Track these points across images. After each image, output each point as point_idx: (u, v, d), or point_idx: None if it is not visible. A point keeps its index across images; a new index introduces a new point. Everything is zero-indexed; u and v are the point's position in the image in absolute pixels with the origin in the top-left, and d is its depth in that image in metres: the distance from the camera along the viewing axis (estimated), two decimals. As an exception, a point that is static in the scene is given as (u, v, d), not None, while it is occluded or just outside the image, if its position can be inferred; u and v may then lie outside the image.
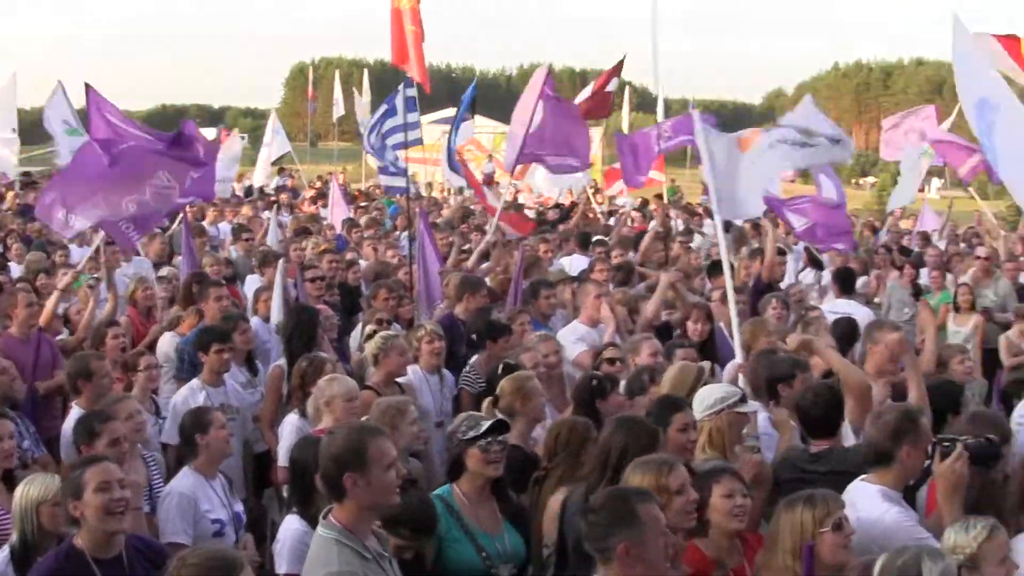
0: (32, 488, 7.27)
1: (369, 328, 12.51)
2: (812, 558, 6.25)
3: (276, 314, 13.49)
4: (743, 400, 8.70)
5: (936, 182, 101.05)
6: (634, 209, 34.09)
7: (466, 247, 20.34)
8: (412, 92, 19.59)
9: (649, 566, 5.75)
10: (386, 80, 20.42)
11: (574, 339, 12.83)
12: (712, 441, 8.38)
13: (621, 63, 22.01)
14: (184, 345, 12.78)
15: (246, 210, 29.96)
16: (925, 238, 25.95)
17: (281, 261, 14.66)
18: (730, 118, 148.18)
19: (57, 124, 22.18)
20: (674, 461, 7.01)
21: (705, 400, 8.55)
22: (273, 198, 35.60)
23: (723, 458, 8.23)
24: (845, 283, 16.71)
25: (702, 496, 6.93)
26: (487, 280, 16.13)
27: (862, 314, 15.01)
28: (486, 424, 7.64)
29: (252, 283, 16.72)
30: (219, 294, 13.62)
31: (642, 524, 5.74)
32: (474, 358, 12.24)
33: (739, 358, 10.91)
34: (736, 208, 11.98)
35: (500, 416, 8.73)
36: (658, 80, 19.71)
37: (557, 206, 32.63)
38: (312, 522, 7.50)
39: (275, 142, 39.23)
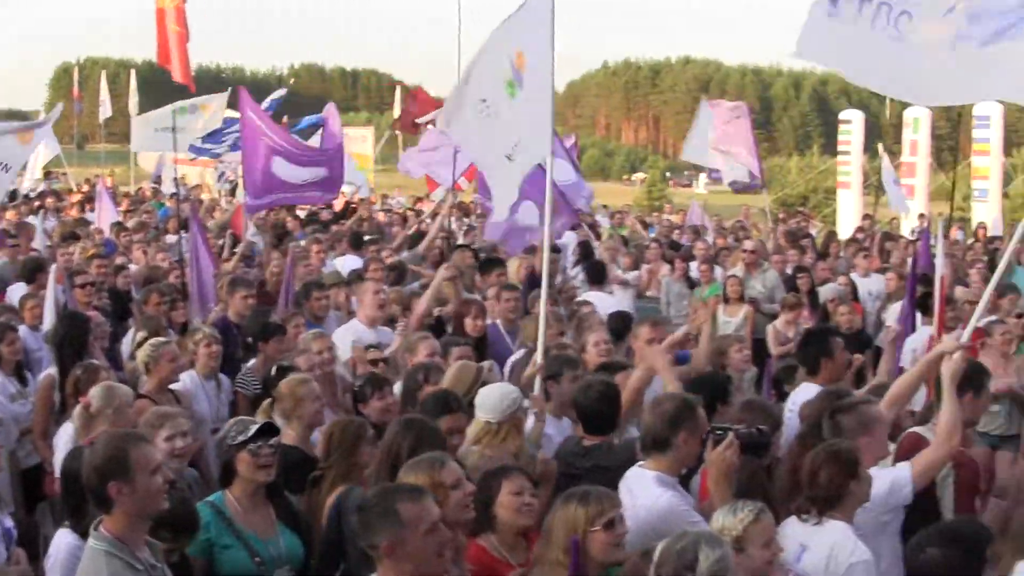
0: None
1: (140, 335, 12.32)
2: (579, 553, 6.33)
3: (49, 322, 13.23)
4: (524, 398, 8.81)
5: (703, 178, 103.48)
6: (408, 209, 34.19)
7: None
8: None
9: (416, 564, 5.77)
10: (154, 80, 20.08)
11: (352, 339, 12.81)
12: (506, 441, 8.37)
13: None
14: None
15: (10, 215, 29.18)
16: (695, 232, 26.55)
17: (55, 267, 14.37)
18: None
19: None
20: (445, 457, 7.03)
21: (501, 401, 8.49)
22: (38, 203, 34.69)
23: (514, 458, 8.23)
24: (596, 275, 17.17)
25: (489, 493, 6.98)
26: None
27: (610, 304, 15.46)
28: (254, 428, 7.55)
29: (17, 291, 16.30)
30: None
31: (403, 522, 5.73)
32: (251, 361, 12.18)
33: (538, 356, 11.07)
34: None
35: (271, 419, 8.76)
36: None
37: (329, 206, 32.52)
38: (85, 535, 7.40)
39: (45, 145, 38.21)
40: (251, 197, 17.79)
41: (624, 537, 6.50)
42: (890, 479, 7.58)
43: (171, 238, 21.03)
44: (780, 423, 8.69)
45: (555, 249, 18.30)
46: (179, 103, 25.03)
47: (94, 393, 9.41)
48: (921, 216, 34.41)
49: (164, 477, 6.10)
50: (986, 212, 39.31)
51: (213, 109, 25.02)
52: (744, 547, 6.21)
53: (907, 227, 33.96)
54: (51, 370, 11.71)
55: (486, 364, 10.58)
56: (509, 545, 7.01)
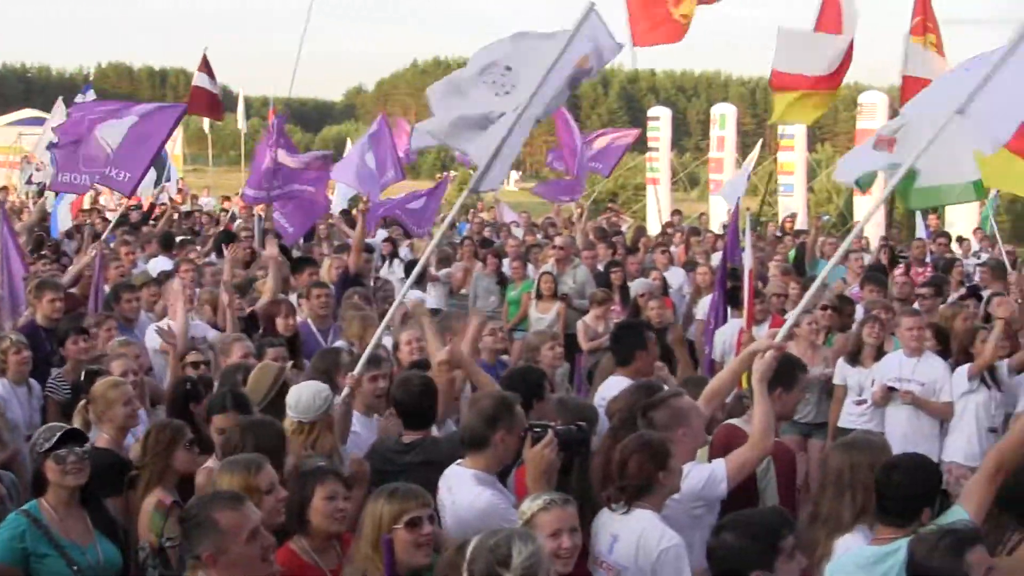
0: None
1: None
2: (391, 552, 6.36)
3: None
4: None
5: (515, 174, 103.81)
6: (221, 210, 33.88)
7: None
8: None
9: (238, 571, 5.75)
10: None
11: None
12: (319, 440, 8.41)
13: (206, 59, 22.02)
14: None
15: None
16: (507, 230, 26.73)
17: None
18: (311, 116, 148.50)
19: None
20: (261, 460, 7.05)
21: (313, 400, 8.49)
22: None
23: (328, 458, 8.30)
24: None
25: (303, 496, 6.95)
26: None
27: (426, 302, 15.58)
28: (59, 434, 7.41)
29: None
30: None
31: (223, 530, 5.71)
32: (63, 365, 11.96)
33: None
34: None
35: (88, 421, 8.66)
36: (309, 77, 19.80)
37: (138, 207, 32.03)
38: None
39: None
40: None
41: (430, 538, 6.47)
42: (706, 474, 7.71)
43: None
44: (595, 419, 8.75)
45: (368, 249, 18.34)
46: None
47: None
48: (730, 211, 34.99)
49: None
50: (792, 207, 40.17)
51: None
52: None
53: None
54: None
55: (287, 364, 10.62)
56: (320, 549, 6.98)
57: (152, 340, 12.54)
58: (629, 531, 6.92)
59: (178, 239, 21.55)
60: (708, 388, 8.98)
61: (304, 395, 8.54)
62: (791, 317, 9.57)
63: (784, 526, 6.12)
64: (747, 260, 13.36)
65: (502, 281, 19.80)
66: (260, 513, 6.00)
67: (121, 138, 17.16)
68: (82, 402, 9.41)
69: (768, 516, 6.41)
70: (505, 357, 13.09)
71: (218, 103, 22.99)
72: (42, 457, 7.36)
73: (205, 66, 22.75)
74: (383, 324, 10.48)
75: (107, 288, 15.15)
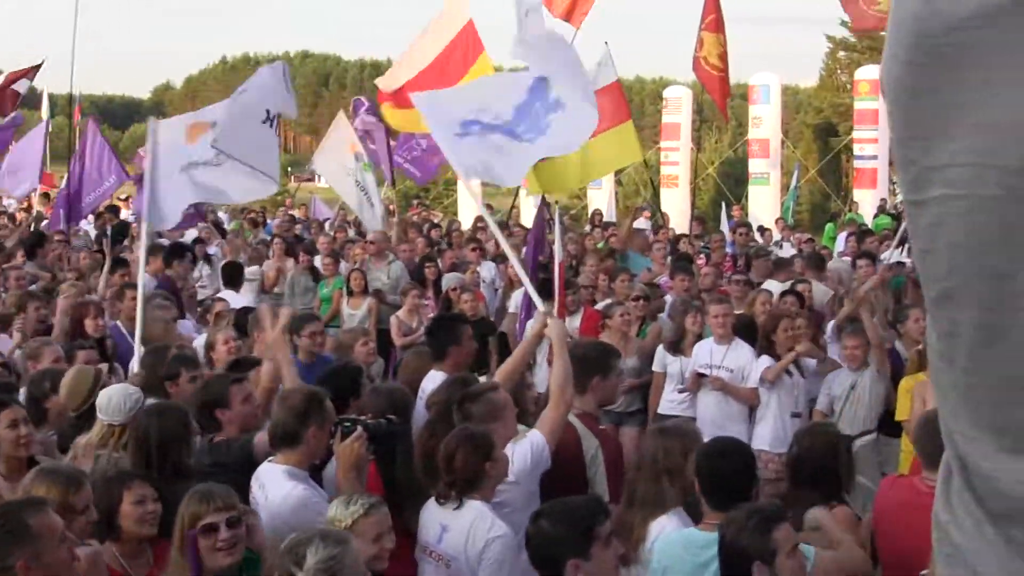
0: None
1: None
2: (196, 551, 6.28)
3: None
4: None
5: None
6: (20, 210, 33.15)
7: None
8: None
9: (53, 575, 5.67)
10: None
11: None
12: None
13: (37, 68, 21.79)
14: None
15: None
16: (319, 226, 26.64)
17: None
18: (119, 113, 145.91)
19: None
20: (82, 477, 6.90)
21: (124, 402, 8.40)
22: None
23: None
24: (232, 276, 17.28)
25: (111, 501, 6.83)
26: None
27: (238, 301, 15.57)
28: None
29: None
30: None
31: (37, 538, 5.59)
32: None
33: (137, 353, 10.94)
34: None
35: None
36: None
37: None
38: None
39: None
40: None
41: (230, 542, 6.30)
42: (529, 449, 7.81)
43: None
44: (407, 405, 8.83)
45: (183, 249, 18.20)
46: None
47: None
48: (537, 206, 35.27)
49: None
50: (600, 200, 40.65)
51: None
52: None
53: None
54: None
55: (104, 367, 10.50)
56: (131, 555, 6.89)
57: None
58: (459, 522, 7.01)
59: None
60: (501, 370, 9.15)
61: (114, 397, 8.45)
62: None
63: (600, 512, 6.23)
64: (557, 253, 13.54)
65: (316, 278, 19.72)
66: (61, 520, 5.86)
67: None
68: None
69: (583, 503, 6.50)
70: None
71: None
72: None
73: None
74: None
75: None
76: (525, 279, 11.48)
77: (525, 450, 7.82)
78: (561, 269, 13.81)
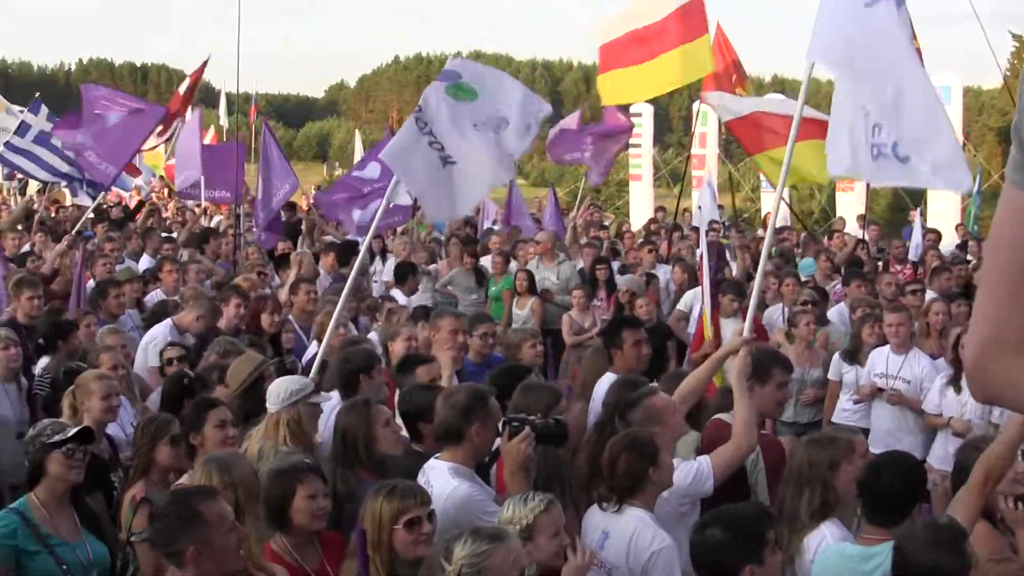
0: None
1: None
2: (364, 545, 6.36)
3: None
4: (317, 391, 8.78)
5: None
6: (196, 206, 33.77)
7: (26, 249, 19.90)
8: None
9: (219, 564, 5.76)
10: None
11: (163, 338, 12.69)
12: (292, 433, 8.40)
13: (205, 64, 22.15)
14: None
15: None
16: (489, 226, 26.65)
17: None
18: (294, 112, 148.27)
19: None
20: (243, 459, 7.14)
21: (280, 393, 8.54)
22: None
23: (308, 450, 8.33)
24: (402, 275, 17.36)
25: (284, 494, 6.94)
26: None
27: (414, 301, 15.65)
28: (72, 430, 7.42)
29: None
30: None
31: (208, 524, 5.73)
32: (46, 361, 11.93)
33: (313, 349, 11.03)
34: None
35: (75, 408, 8.84)
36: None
37: (117, 204, 31.98)
38: None
39: None
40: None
41: (430, 536, 6.40)
42: (692, 471, 7.74)
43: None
44: (559, 400, 8.73)
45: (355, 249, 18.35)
46: None
47: None
48: (720, 207, 34.98)
49: None
50: (772, 203, 40.14)
51: None
52: (533, 536, 6.26)
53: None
54: None
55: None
56: (301, 547, 6.99)
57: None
58: (621, 530, 6.95)
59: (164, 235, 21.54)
60: (680, 390, 8.92)
61: (277, 387, 8.64)
62: (750, 313, 9.53)
63: (767, 518, 6.21)
64: (704, 256, 13.31)
65: (480, 277, 19.71)
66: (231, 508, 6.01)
67: (111, 130, 17.48)
68: (71, 387, 9.42)
69: (751, 510, 6.49)
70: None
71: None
72: (48, 448, 7.35)
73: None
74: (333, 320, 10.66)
75: (90, 284, 15.16)
76: (706, 293, 11.36)
77: (689, 472, 7.77)
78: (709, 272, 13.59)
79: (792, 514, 7.25)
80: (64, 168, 21.43)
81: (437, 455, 7.65)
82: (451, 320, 11.52)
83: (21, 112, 25.16)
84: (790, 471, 7.57)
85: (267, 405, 8.57)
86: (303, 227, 24.53)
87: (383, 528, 6.37)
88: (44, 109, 22.54)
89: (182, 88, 24.83)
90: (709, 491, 7.74)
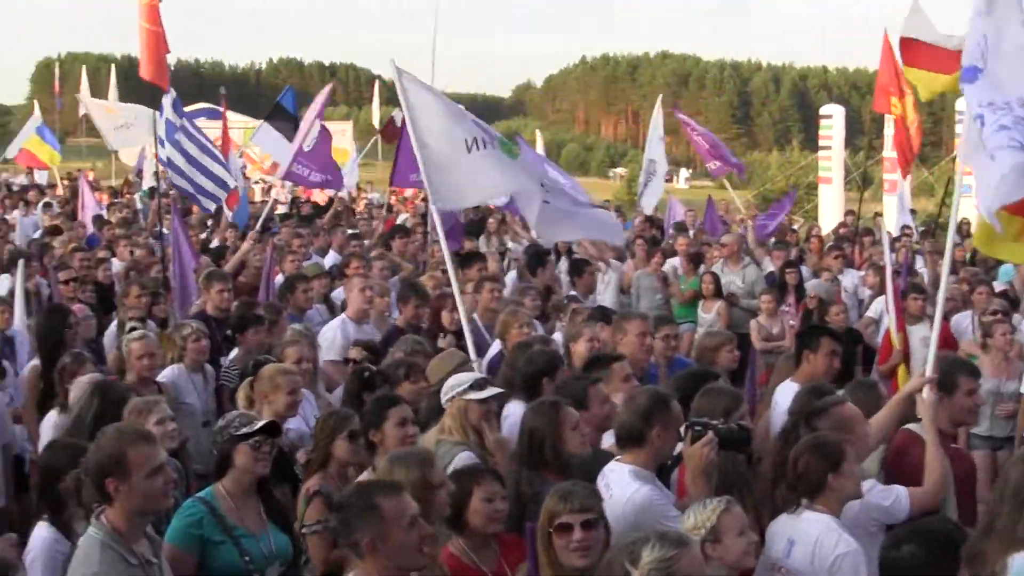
0: None
1: (129, 324, 12.33)
2: (534, 543, 6.38)
3: (20, 315, 13.23)
4: (475, 387, 8.69)
5: (684, 172, 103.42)
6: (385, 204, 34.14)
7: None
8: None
9: (397, 559, 5.79)
10: (134, 76, 20.03)
11: (340, 335, 12.90)
12: (460, 426, 8.51)
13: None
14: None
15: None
16: (677, 228, 26.51)
17: (21, 262, 14.39)
18: (480, 111, 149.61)
19: None
20: (431, 456, 7.14)
21: (448, 386, 8.71)
22: (22, 196, 34.53)
23: (468, 443, 8.41)
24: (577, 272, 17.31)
25: (460, 495, 6.96)
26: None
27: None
28: (260, 423, 7.56)
29: (2, 283, 16.25)
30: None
31: (385, 518, 5.75)
32: (233, 353, 12.17)
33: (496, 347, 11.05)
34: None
35: (251, 399, 9.10)
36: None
37: (308, 200, 32.45)
38: (63, 529, 7.39)
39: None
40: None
41: (583, 544, 6.30)
42: (892, 497, 7.68)
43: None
44: (740, 405, 8.58)
45: (547, 251, 18.34)
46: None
47: (80, 383, 9.49)
48: (912, 212, 34.31)
49: (165, 478, 6.14)
50: (971, 209, 39.17)
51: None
52: (720, 537, 6.20)
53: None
54: (35, 361, 11.87)
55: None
56: (478, 548, 7.01)
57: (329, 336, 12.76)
58: (805, 535, 6.85)
59: (350, 232, 21.78)
60: (874, 421, 8.66)
61: (452, 382, 8.80)
62: (934, 334, 9.24)
63: (960, 535, 6.08)
64: (887, 261, 13.00)
65: (665, 279, 19.58)
66: (417, 505, 6.01)
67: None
68: (247, 380, 9.60)
69: (946, 527, 6.34)
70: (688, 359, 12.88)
71: (396, 131, 23.23)
72: (235, 440, 7.47)
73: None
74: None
75: (278, 279, 15.42)
76: (891, 302, 11.17)
77: (889, 497, 7.71)
78: (893, 279, 13.27)
79: (1006, 531, 7.04)
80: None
81: (618, 457, 7.62)
82: (639, 322, 11.42)
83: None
84: (1007, 488, 7.34)
85: (441, 399, 8.71)
86: (488, 226, 24.61)
87: (543, 529, 6.39)
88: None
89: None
90: (900, 520, 7.58)
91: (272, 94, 25.58)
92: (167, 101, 17.85)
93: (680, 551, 5.34)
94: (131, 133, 25.67)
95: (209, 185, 17.78)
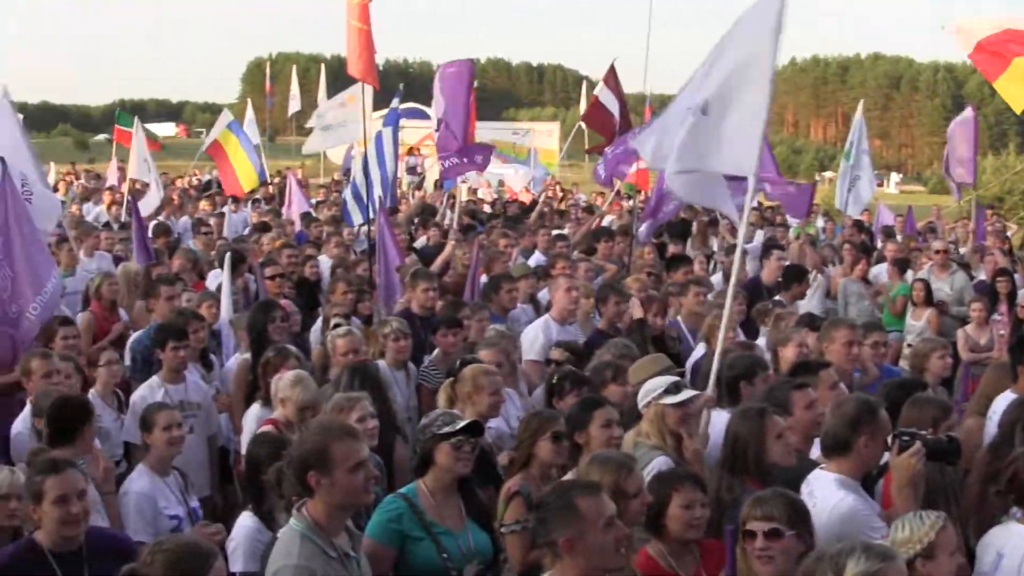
0: None
1: (333, 320, 12.47)
2: (734, 544, 6.37)
3: (227, 310, 13.47)
4: (670, 391, 8.62)
5: (895, 176, 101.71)
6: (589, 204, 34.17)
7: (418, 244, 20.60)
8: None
9: (593, 559, 5.77)
10: (344, 76, 20.35)
11: (543, 336, 12.88)
12: (656, 430, 8.49)
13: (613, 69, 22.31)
14: (135, 345, 12.79)
15: (204, 204, 29.83)
16: (887, 233, 26.05)
17: (227, 256, 14.65)
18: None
19: None
20: (632, 462, 7.09)
21: (644, 390, 8.70)
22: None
23: (665, 448, 8.37)
24: (788, 280, 17.02)
25: (660, 500, 6.95)
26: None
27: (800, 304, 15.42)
28: (462, 423, 7.56)
29: (213, 278, 16.61)
30: (170, 293, 13.59)
31: (583, 518, 5.75)
32: (434, 352, 12.22)
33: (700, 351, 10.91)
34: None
35: (452, 399, 9.13)
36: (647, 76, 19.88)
37: (514, 201, 32.60)
38: (265, 519, 7.56)
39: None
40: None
41: (767, 554, 6.28)
42: None
43: (361, 229, 21.25)
44: (949, 415, 8.34)
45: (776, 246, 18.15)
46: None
47: (284, 378, 9.61)
48: None
49: (367, 474, 6.19)
50: None
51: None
52: (935, 555, 6.04)
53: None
54: (245, 354, 12.14)
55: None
56: (677, 554, 6.98)
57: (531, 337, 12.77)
58: (1015, 548, 6.64)
59: (555, 233, 21.76)
60: None
61: (648, 386, 8.77)
62: None
63: None
64: None
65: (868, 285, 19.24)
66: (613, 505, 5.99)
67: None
68: (449, 379, 9.62)
69: None
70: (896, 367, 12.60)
71: (612, 123, 22.99)
72: (437, 439, 7.49)
73: (612, 79, 22.90)
74: (723, 326, 10.48)
75: (483, 279, 15.47)
76: None
77: None
78: None
79: None
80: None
81: (823, 465, 7.50)
82: (847, 330, 11.15)
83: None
84: None
85: (638, 403, 8.72)
86: (694, 228, 24.41)
87: (739, 532, 6.36)
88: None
89: (598, 91, 25.02)
90: None
91: (480, 96, 25.84)
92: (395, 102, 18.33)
93: (886, 565, 5.29)
94: (339, 133, 26.18)
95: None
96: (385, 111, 25.12)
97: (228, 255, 14.68)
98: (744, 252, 12.01)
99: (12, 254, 12.48)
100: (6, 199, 12.63)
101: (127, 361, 12.68)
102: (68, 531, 6.78)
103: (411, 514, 7.33)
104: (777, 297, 16.01)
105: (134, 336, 13.28)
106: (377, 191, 17.67)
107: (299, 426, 9.08)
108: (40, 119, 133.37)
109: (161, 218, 25.51)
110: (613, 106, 22.59)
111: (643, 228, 20.82)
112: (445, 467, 7.46)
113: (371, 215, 17.42)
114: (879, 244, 24.24)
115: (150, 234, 20.59)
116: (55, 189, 38.10)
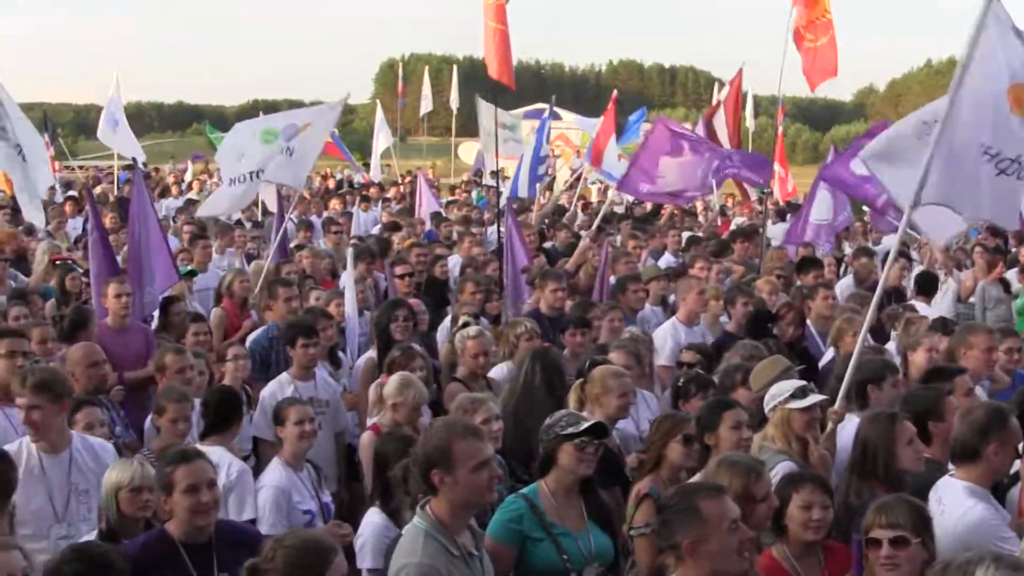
0: (113, 473, 7.45)
1: (462, 319, 12.51)
2: (861, 552, 6.30)
3: (351, 307, 13.55)
4: (796, 396, 8.59)
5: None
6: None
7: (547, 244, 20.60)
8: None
9: (716, 562, 5.75)
10: (475, 77, 20.33)
11: (672, 339, 12.90)
12: (782, 434, 8.49)
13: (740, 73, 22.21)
14: (253, 345, 12.94)
15: (335, 203, 30.11)
16: (1019, 237, 25.56)
17: (350, 252, 14.77)
18: (821, 115, 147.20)
19: None
20: (761, 466, 7.07)
21: (770, 395, 8.71)
22: (364, 192, 35.64)
23: (790, 452, 8.36)
24: (924, 286, 16.80)
25: (781, 500, 6.94)
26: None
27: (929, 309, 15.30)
28: (586, 424, 7.53)
29: (345, 278, 16.72)
30: (288, 295, 13.69)
31: (706, 521, 5.72)
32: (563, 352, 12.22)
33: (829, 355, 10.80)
34: None
35: (582, 400, 9.12)
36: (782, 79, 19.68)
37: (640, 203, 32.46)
38: (392, 516, 7.62)
39: (380, 136, 39.10)
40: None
41: (893, 563, 6.19)
42: None
43: (490, 229, 21.33)
44: None
45: (870, 253, 17.93)
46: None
47: (391, 380, 9.67)
48: None
49: (491, 473, 6.21)
50: None
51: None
52: None
53: None
54: (371, 353, 12.28)
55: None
56: (801, 556, 6.95)
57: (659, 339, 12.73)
58: None
59: (688, 235, 21.72)
60: None
61: (774, 390, 8.77)
62: None
63: None
64: None
65: (1006, 288, 18.88)
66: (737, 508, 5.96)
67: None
68: (579, 380, 9.61)
69: None
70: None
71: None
72: (560, 439, 7.48)
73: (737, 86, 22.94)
74: (864, 329, 10.32)
75: (612, 279, 15.44)
76: None
77: None
78: None
79: None
80: None
81: (952, 472, 7.42)
82: (986, 336, 10.96)
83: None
84: None
85: (764, 407, 8.72)
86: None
87: (863, 541, 6.30)
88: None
89: (722, 94, 24.92)
90: None
91: (609, 97, 25.81)
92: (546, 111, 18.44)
93: None
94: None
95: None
96: (519, 111, 25.29)
97: (350, 251, 14.82)
98: (895, 259, 11.85)
99: (149, 252, 12.84)
100: (143, 200, 12.96)
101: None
102: (199, 520, 6.88)
103: (531, 515, 7.34)
104: (911, 301, 15.84)
105: (252, 336, 13.47)
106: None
107: (407, 427, 9.24)
108: (175, 119, 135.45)
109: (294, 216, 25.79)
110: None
111: (821, 238, 20.58)
112: (568, 468, 7.45)
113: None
114: (1012, 248, 23.79)
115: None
116: (189, 187, 38.89)
